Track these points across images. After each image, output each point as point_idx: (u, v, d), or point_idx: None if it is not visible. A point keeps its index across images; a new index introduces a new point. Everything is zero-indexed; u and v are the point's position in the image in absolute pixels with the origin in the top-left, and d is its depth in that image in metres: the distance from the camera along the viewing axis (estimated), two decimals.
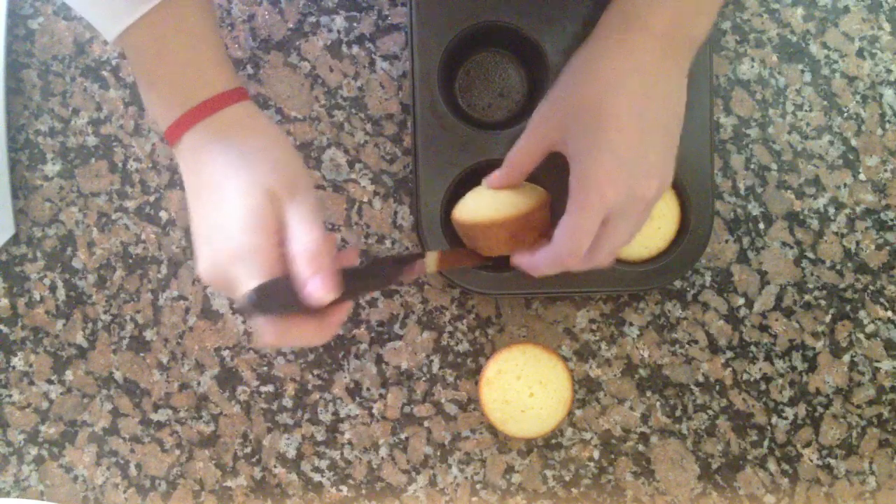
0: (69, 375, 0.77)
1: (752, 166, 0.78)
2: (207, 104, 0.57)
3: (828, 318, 0.78)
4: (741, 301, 0.78)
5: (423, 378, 0.77)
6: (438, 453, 0.77)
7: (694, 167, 0.73)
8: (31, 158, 0.78)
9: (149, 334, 0.77)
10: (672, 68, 0.60)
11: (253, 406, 0.77)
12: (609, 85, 0.59)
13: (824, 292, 0.78)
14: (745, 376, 0.77)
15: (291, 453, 0.77)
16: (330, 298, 0.53)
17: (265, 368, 0.77)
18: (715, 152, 0.76)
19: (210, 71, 0.58)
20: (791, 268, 0.78)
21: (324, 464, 0.77)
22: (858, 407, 0.78)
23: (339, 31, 0.78)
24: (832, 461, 0.77)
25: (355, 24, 0.78)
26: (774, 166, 0.78)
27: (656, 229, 0.73)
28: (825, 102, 0.78)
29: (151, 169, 0.78)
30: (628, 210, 0.59)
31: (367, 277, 0.59)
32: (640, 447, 0.77)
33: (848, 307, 0.78)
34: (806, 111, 0.78)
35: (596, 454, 0.77)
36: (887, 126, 0.78)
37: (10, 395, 0.77)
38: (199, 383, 0.77)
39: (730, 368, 0.77)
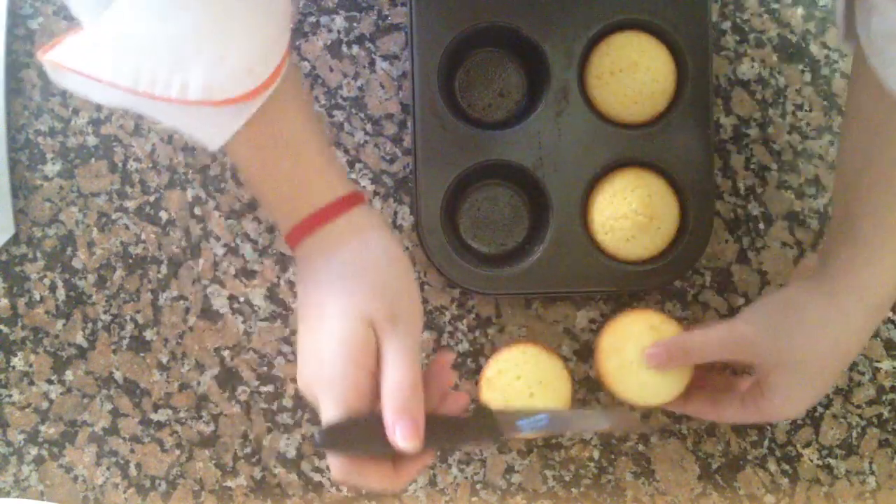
0: (69, 375, 0.77)
1: (752, 166, 0.78)
2: (315, 217, 0.54)
3: None
4: (741, 301, 0.77)
5: None
6: (438, 453, 0.77)
7: (694, 167, 0.73)
8: (31, 158, 0.78)
9: (149, 334, 0.77)
10: (864, 324, 0.64)
11: (253, 406, 0.77)
12: (813, 334, 0.63)
13: None
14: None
15: (291, 453, 0.77)
16: (413, 446, 0.50)
17: (265, 368, 0.77)
18: (715, 152, 0.76)
19: (316, 181, 0.55)
20: (791, 268, 0.78)
21: (324, 464, 0.77)
22: (858, 407, 0.77)
23: (339, 31, 0.78)
24: (832, 461, 0.77)
25: (355, 24, 0.78)
26: (774, 166, 0.78)
27: (656, 229, 0.73)
28: (825, 102, 0.78)
29: (151, 169, 0.77)
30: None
31: (462, 432, 0.55)
32: (640, 447, 0.77)
33: None
34: (806, 111, 0.78)
35: (596, 454, 0.77)
36: None
37: (10, 395, 0.77)
38: (199, 383, 0.77)
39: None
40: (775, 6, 0.78)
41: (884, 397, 0.77)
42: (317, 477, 0.77)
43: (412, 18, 0.72)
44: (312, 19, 0.77)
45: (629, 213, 0.72)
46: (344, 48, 0.78)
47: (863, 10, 0.54)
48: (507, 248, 0.77)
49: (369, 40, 0.78)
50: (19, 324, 0.77)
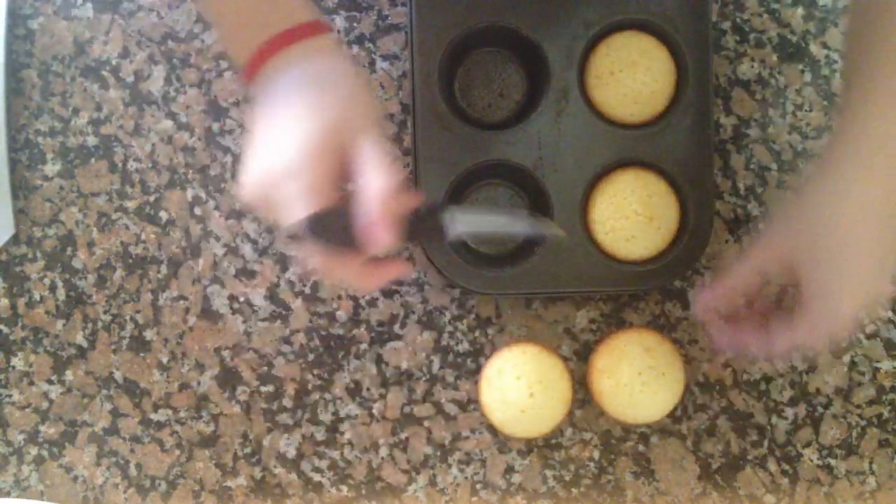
0: (69, 375, 0.77)
1: (752, 166, 0.78)
2: (289, 33, 0.55)
3: None
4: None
5: (423, 378, 0.77)
6: (438, 453, 0.77)
7: (694, 167, 0.73)
8: (31, 158, 0.77)
9: (149, 334, 0.77)
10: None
11: (253, 406, 0.77)
12: (853, 222, 0.59)
13: None
14: (745, 376, 0.77)
15: (291, 453, 0.77)
16: (391, 246, 0.52)
17: (265, 368, 0.77)
18: (715, 152, 0.76)
19: (289, 2, 0.57)
20: None
21: (324, 464, 0.77)
22: (858, 407, 0.77)
23: (339, 31, 0.78)
24: (832, 461, 0.77)
25: (355, 24, 0.78)
26: (774, 166, 0.78)
27: (656, 229, 0.73)
28: (825, 102, 0.78)
29: (151, 169, 0.77)
30: None
31: (429, 226, 0.57)
32: (640, 447, 0.77)
33: None
34: (806, 111, 0.78)
35: (596, 454, 0.77)
36: None
37: (10, 395, 0.77)
38: (199, 383, 0.77)
39: (730, 368, 0.77)
40: (775, 6, 0.78)
41: (884, 397, 0.77)
42: (317, 477, 0.77)
43: (412, 18, 0.72)
44: None
45: (629, 213, 0.72)
46: (344, 48, 0.77)
47: None
48: (506, 248, 0.77)
49: (369, 40, 0.78)
50: (19, 324, 0.77)
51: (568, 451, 0.77)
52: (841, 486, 0.77)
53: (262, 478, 0.77)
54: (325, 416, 0.77)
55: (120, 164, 0.77)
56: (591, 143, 0.73)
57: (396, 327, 0.77)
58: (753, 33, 0.78)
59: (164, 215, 0.77)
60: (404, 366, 0.77)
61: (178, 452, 0.77)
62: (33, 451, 0.77)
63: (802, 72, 0.78)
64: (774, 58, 0.78)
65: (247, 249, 0.77)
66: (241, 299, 0.77)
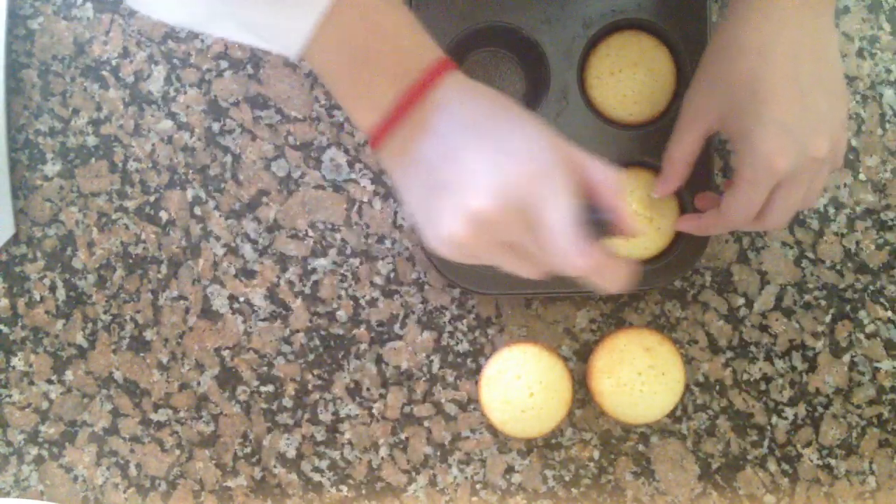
0: (69, 375, 0.77)
1: None
2: (437, 68, 0.50)
3: (828, 318, 0.77)
4: (741, 301, 0.77)
5: (423, 378, 0.77)
6: (438, 453, 0.77)
7: (694, 167, 0.73)
8: (31, 158, 0.77)
9: (149, 334, 0.77)
10: (816, 20, 0.59)
11: (253, 406, 0.77)
12: (757, 55, 0.58)
13: (824, 292, 0.77)
14: (745, 376, 0.77)
15: (291, 453, 0.76)
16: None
17: (265, 368, 0.77)
18: (715, 152, 0.75)
19: (423, 36, 0.51)
20: (791, 268, 0.77)
21: (324, 464, 0.77)
22: (858, 407, 0.77)
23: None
24: (832, 461, 0.77)
25: None
26: None
27: (656, 229, 0.73)
28: None
29: (151, 169, 0.77)
30: (801, 172, 0.59)
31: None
32: (640, 447, 0.77)
33: (848, 307, 0.77)
34: None
35: (596, 454, 0.77)
36: (887, 126, 0.78)
37: (10, 395, 0.77)
38: (199, 383, 0.77)
39: (730, 368, 0.77)
40: None
41: (884, 397, 0.77)
42: (317, 477, 0.76)
43: None
44: None
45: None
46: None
47: None
48: None
49: None
50: (19, 324, 0.77)
51: (568, 451, 0.77)
52: (841, 486, 0.77)
53: (262, 478, 0.76)
54: (325, 416, 0.76)
55: (120, 164, 0.77)
56: (591, 143, 0.72)
57: (396, 327, 0.77)
58: None
59: (164, 215, 0.77)
60: (404, 366, 0.77)
61: (178, 452, 0.77)
62: (33, 451, 0.77)
63: None
64: None
65: (247, 249, 0.77)
66: (241, 299, 0.77)
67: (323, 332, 0.77)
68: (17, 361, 0.77)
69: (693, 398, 0.77)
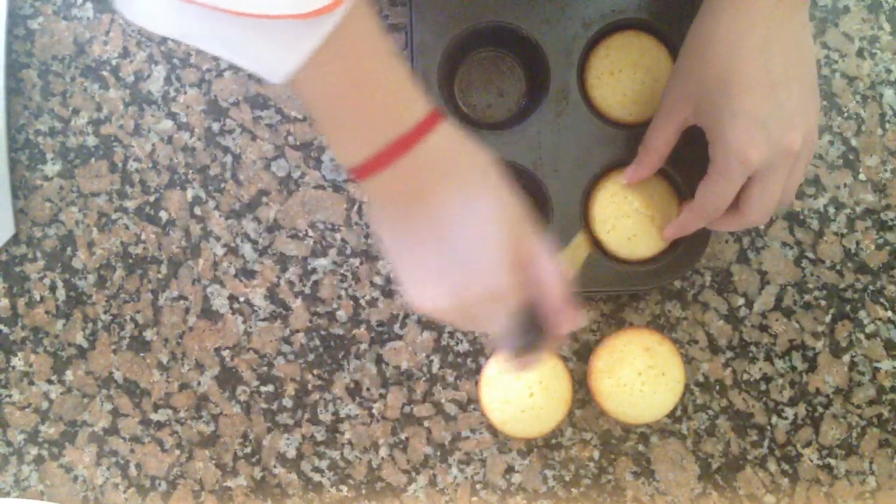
0: (69, 375, 0.76)
1: None
2: (417, 129, 0.49)
3: (828, 318, 0.76)
4: (741, 301, 0.76)
5: (423, 378, 0.76)
6: (438, 453, 0.76)
7: (695, 167, 0.72)
8: (31, 158, 0.76)
9: (149, 334, 0.76)
10: (791, 15, 0.58)
11: (253, 406, 0.76)
12: (729, 48, 0.58)
13: (824, 292, 0.76)
14: (745, 376, 0.76)
15: (291, 453, 0.76)
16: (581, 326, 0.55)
17: (265, 368, 0.76)
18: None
19: (410, 91, 0.49)
20: (791, 268, 0.77)
21: (324, 464, 0.76)
22: (858, 407, 0.76)
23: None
24: (832, 461, 0.76)
25: None
26: None
27: (658, 228, 0.72)
28: (825, 102, 0.77)
29: (151, 169, 0.76)
30: (775, 165, 0.59)
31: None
32: (640, 447, 0.76)
33: (848, 307, 0.76)
34: None
35: (596, 454, 0.76)
36: (887, 126, 0.77)
37: (10, 395, 0.76)
38: (199, 383, 0.76)
39: (730, 368, 0.76)
40: None
41: (884, 397, 0.76)
42: (317, 477, 0.76)
43: (411, 19, 0.71)
44: None
45: (630, 212, 0.71)
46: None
47: None
48: None
49: None
50: (19, 324, 0.76)
51: (568, 451, 0.76)
52: (841, 486, 0.76)
53: (262, 478, 0.76)
54: (325, 416, 0.76)
55: (120, 164, 0.76)
56: (591, 143, 0.72)
57: (396, 327, 0.76)
58: None
59: (164, 215, 0.76)
60: (404, 366, 0.76)
61: (178, 452, 0.76)
62: (33, 451, 0.76)
63: None
64: None
65: (247, 249, 0.76)
66: (241, 299, 0.76)
67: (323, 332, 0.76)
68: (17, 361, 0.76)
69: (693, 398, 0.76)
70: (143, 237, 0.76)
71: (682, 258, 0.72)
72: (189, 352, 0.76)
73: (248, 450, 0.76)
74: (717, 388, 0.76)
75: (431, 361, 0.76)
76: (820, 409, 0.76)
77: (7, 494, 0.76)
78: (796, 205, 0.76)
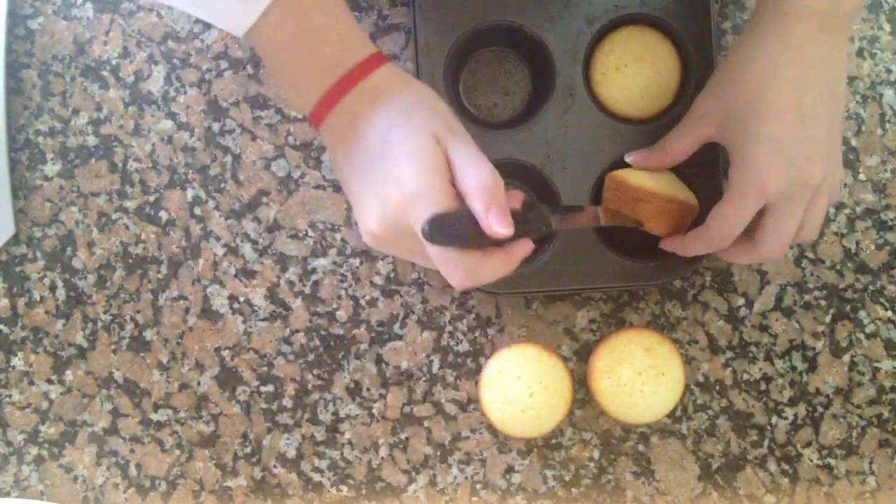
0: (69, 375, 0.75)
1: None
2: (357, 70, 0.54)
3: (828, 318, 0.75)
4: (741, 301, 0.75)
5: (423, 378, 0.75)
6: (438, 453, 0.75)
7: (700, 168, 0.71)
8: (31, 158, 0.75)
9: (149, 334, 0.75)
10: (830, 50, 0.58)
11: (253, 406, 0.75)
12: (766, 77, 0.57)
13: (824, 292, 0.76)
14: (745, 376, 0.75)
15: (291, 453, 0.75)
16: (507, 232, 0.51)
17: (265, 368, 0.75)
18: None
19: (353, 38, 0.56)
20: (791, 268, 0.76)
21: (324, 464, 0.75)
22: (858, 407, 0.75)
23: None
24: (832, 461, 0.75)
25: None
26: None
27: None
28: None
29: (151, 169, 0.75)
30: (793, 197, 0.58)
31: (536, 219, 0.57)
32: (640, 447, 0.75)
33: (848, 307, 0.75)
34: None
35: (596, 454, 0.75)
36: (887, 126, 0.76)
37: (10, 395, 0.75)
38: (199, 383, 0.75)
39: (730, 368, 0.75)
40: None
41: (884, 397, 0.75)
42: (317, 477, 0.75)
43: (415, 19, 0.70)
44: None
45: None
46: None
47: None
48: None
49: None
50: (19, 324, 0.75)
51: (568, 451, 0.75)
52: (841, 486, 0.75)
53: (262, 478, 0.75)
54: (325, 416, 0.75)
55: (120, 164, 0.75)
56: (598, 139, 0.71)
57: (396, 327, 0.75)
58: None
59: (164, 215, 0.75)
60: (404, 366, 0.75)
61: (178, 452, 0.75)
62: (33, 451, 0.75)
63: None
64: None
65: (247, 249, 0.75)
66: (241, 299, 0.75)
67: (323, 332, 0.75)
68: (17, 361, 0.75)
69: (693, 398, 0.75)
70: (143, 237, 0.75)
71: (683, 258, 0.71)
72: (189, 352, 0.75)
73: (248, 450, 0.75)
74: (717, 388, 0.75)
75: (431, 361, 0.75)
76: (820, 409, 0.75)
77: (7, 494, 0.75)
78: None
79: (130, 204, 0.75)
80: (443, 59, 0.70)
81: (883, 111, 0.75)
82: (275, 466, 0.74)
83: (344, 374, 0.74)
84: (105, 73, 0.75)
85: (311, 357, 0.74)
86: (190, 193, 0.75)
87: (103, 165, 0.75)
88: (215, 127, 0.75)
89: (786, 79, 0.57)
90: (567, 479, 0.74)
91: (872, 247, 0.75)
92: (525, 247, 0.55)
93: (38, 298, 0.75)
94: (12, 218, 0.74)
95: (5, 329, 0.75)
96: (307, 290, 0.75)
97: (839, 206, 0.75)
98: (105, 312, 0.75)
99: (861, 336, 0.75)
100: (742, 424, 0.75)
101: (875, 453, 0.75)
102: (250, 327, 0.74)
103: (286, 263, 0.75)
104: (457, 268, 0.53)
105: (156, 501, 0.74)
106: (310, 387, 0.74)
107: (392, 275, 0.75)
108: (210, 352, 0.74)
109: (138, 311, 0.75)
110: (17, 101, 0.75)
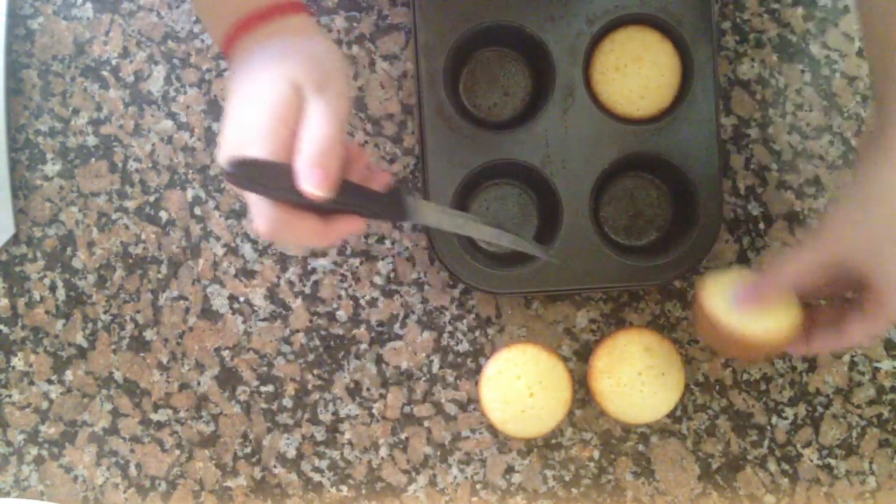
0: (69, 375, 0.74)
1: (752, 166, 0.75)
2: (272, 9, 0.55)
3: None
4: None
5: (423, 378, 0.74)
6: (438, 453, 0.74)
7: (701, 160, 0.70)
8: (31, 158, 0.74)
9: (149, 334, 0.74)
10: None
11: (253, 406, 0.74)
12: None
13: None
14: (745, 376, 0.74)
15: (291, 453, 0.74)
16: (322, 194, 0.49)
17: (265, 368, 0.74)
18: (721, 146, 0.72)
19: None
20: None
21: (324, 464, 0.74)
22: (858, 407, 0.74)
23: (339, 31, 0.74)
24: (832, 461, 0.74)
25: (355, 24, 0.75)
26: (774, 166, 0.75)
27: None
28: (825, 102, 0.75)
29: (151, 169, 0.74)
30: None
31: (368, 200, 0.53)
32: (640, 447, 0.74)
33: None
34: (806, 111, 0.75)
35: (596, 454, 0.74)
36: None
37: (10, 395, 0.74)
38: (199, 383, 0.74)
39: (730, 368, 0.74)
40: (775, 6, 0.75)
41: (884, 397, 0.74)
42: (317, 477, 0.74)
43: (415, 20, 0.69)
44: None
45: None
46: (344, 48, 0.74)
47: None
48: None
49: (369, 40, 0.75)
50: (19, 324, 0.74)
51: (568, 451, 0.74)
52: (841, 486, 0.74)
53: (262, 478, 0.74)
54: (325, 416, 0.74)
55: (120, 164, 0.74)
56: (598, 139, 0.70)
57: (396, 327, 0.74)
58: (753, 33, 0.75)
59: (164, 215, 0.74)
60: (404, 366, 0.74)
61: (178, 452, 0.74)
62: (33, 451, 0.74)
63: (802, 72, 0.75)
64: (774, 58, 0.75)
65: (247, 249, 0.74)
66: (241, 299, 0.74)
67: (323, 332, 0.74)
68: (17, 361, 0.74)
69: (693, 398, 0.74)
70: (143, 237, 0.74)
71: (688, 255, 0.71)
72: (189, 352, 0.74)
73: (248, 450, 0.74)
74: (717, 388, 0.74)
75: (431, 361, 0.74)
76: (820, 409, 0.74)
77: (7, 494, 0.74)
78: (796, 204, 0.74)
79: (130, 204, 0.74)
80: (443, 59, 0.69)
81: None
82: (275, 466, 0.73)
83: (344, 374, 0.73)
84: (105, 73, 0.74)
85: (311, 357, 0.73)
86: (190, 193, 0.74)
87: (103, 165, 0.74)
88: (215, 127, 0.74)
89: None
90: (567, 479, 0.73)
91: None
92: (351, 225, 0.52)
93: (38, 298, 0.74)
94: (12, 218, 0.73)
95: (5, 329, 0.74)
96: (307, 290, 0.74)
97: None
98: (105, 312, 0.74)
99: None
100: (742, 424, 0.74)
101: (875, 453, 0.74)
102: (250, 327, 0.73)
103: (286, 263, 0.74)
104: (260, 214, 0.51)
105: (156, 501, 0.73)
106: (310, 387, 0.73)
107: (392, 275, 0.74)
108: (210, 352, 0.73)
109: (138, 311, 0.74)
110: (17, 101, 0.74)
